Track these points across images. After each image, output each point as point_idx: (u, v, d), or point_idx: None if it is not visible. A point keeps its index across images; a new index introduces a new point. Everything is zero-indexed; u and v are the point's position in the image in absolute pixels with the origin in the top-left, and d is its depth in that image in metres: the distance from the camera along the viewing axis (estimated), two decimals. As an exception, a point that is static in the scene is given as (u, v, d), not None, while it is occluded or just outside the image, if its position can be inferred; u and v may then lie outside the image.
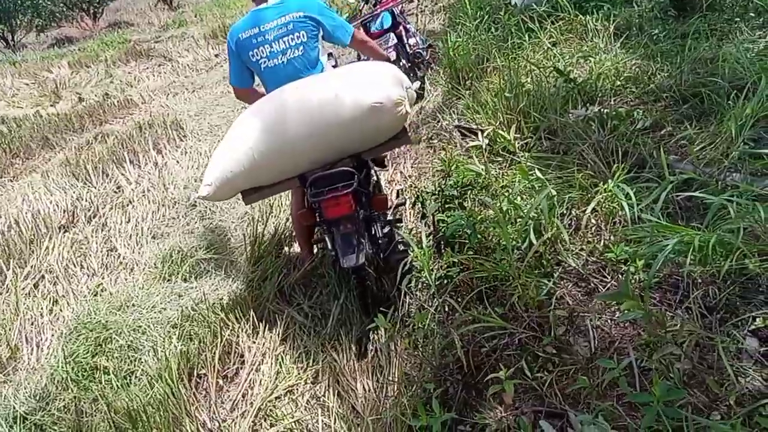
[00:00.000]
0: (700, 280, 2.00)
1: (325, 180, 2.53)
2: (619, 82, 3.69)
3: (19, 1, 18.44)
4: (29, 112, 8.62)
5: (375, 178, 3.07)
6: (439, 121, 4.66)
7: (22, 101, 9.67)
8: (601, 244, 2.35)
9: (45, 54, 15.02)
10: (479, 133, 3.35)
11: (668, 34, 4.16)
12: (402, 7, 6.47)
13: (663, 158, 2.32)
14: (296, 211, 3.00)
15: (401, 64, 5.79)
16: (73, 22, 19.45)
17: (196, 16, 15.15)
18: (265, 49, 2.80)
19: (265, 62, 2.82)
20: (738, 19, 3.98)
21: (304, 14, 2.80)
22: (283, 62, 2.81)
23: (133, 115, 7.39)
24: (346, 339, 2.69)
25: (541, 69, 3.98)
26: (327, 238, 2.82)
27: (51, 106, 8.92)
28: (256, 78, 2.98)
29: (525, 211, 2.29)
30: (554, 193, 2.30)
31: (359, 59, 5.05)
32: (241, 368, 2.73)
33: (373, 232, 2.71)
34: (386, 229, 2.83)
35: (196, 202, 4.50)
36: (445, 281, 2.42)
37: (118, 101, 8.09)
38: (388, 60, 3.21)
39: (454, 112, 4.53)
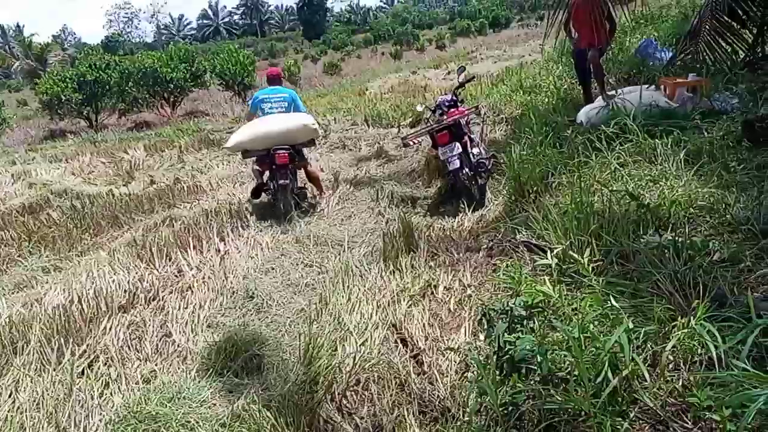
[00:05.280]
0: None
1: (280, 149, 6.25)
2: (692, 210, 3.61)
3: (107, 87, 19.96)
4: (103, 189, 9.08)
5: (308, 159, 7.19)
6: (501, 232, 4.65)
7: (98, 179, 10.23)
8: (680, 384, 2.21)
9: (123, 136, 16.01)
10: (548, 252, 3.32)
11: (743, 164, 4.11)
12: (468, 118, 6.66)
13: (749, 298, 2.22)
14: (257, 164, 6.76)
15: (464, 171, 5.90)
16: (153, 109, 20.80)
17: (267, 111, 15.95)
18: (267, 105, 6.68)
19: (267, 109, 6.67)
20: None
21: (288, 97, 6.78)
22: (273, 111, 6.64)
23: (201, 201, 7.66)
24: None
25: (611, 190, 3.95)
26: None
27: (124, 185, 9.37)
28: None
29: (601, 342, 2.18)
30: (631, 325, 2.21)
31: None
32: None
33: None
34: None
35: (253, 293, 4.53)
36: (510, 408, 2.30)
37: (187, 186, 8.43)
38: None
39: (517, 224, 4.50)
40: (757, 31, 7.07)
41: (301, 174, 6.98)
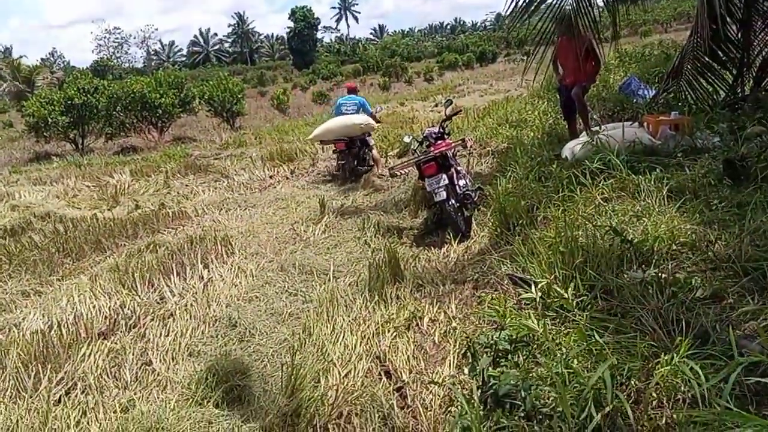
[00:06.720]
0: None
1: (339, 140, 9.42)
2: (675, 247, 3.65)
3: (94, 111, 19.93)
4: (87, 213, 9.00)
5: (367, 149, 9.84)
6: (486, 264, 4.66)
7: (82, 203, 10.15)
8: (663, 422, 2.21)
9: (110, 160, 15.96)
10: (532, 285, 3.34)
11: (724, 202, 4.17)
12: (455, 150, 6.73)
13: (731, 336, 2.24)
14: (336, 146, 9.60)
15: (450, 203, 5.93)
16: (141, 134, 20.76)
17: (255, 138, 16.02)
18: (344, 108, 9.71)
19: (344, 110, 9.68)
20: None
21: (358, 102, 9.78)
22: (348, 112, 9.59)
23: (185, 227, 7.62)
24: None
25: (595, 225, 3.98)
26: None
27: (108, 210, 9.30)
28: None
29: (585, 377, 2.19)
30: (615, 361, 2.22)
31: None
32: None
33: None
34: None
35: (236, 322, 4.49)
36: (494, 444, 2.28)
37: (172, 212, 8.38)
38: (377, 121, 10.25)
39: (502, 257, 4.52)
40: (737, 72, 7.25)
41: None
